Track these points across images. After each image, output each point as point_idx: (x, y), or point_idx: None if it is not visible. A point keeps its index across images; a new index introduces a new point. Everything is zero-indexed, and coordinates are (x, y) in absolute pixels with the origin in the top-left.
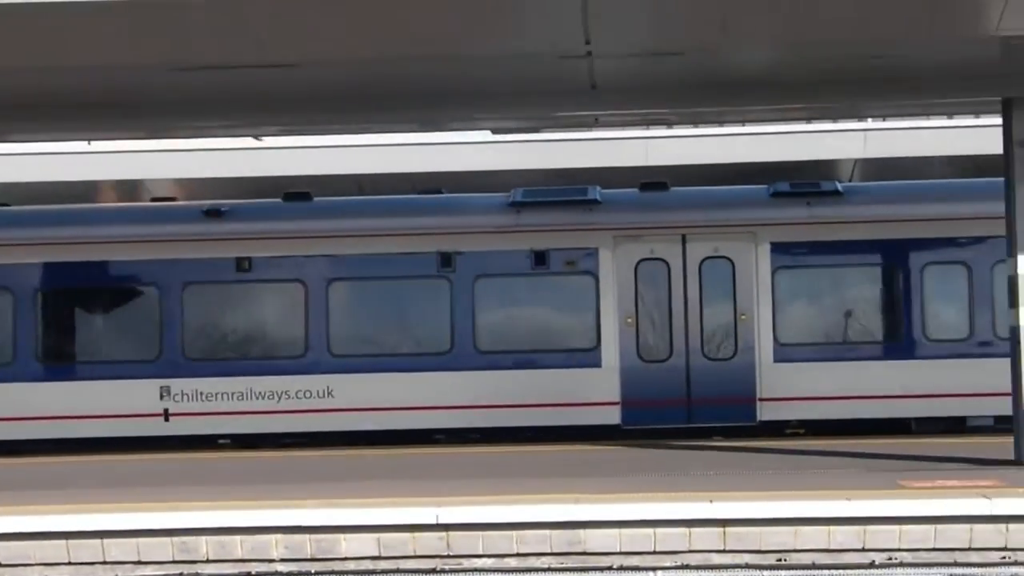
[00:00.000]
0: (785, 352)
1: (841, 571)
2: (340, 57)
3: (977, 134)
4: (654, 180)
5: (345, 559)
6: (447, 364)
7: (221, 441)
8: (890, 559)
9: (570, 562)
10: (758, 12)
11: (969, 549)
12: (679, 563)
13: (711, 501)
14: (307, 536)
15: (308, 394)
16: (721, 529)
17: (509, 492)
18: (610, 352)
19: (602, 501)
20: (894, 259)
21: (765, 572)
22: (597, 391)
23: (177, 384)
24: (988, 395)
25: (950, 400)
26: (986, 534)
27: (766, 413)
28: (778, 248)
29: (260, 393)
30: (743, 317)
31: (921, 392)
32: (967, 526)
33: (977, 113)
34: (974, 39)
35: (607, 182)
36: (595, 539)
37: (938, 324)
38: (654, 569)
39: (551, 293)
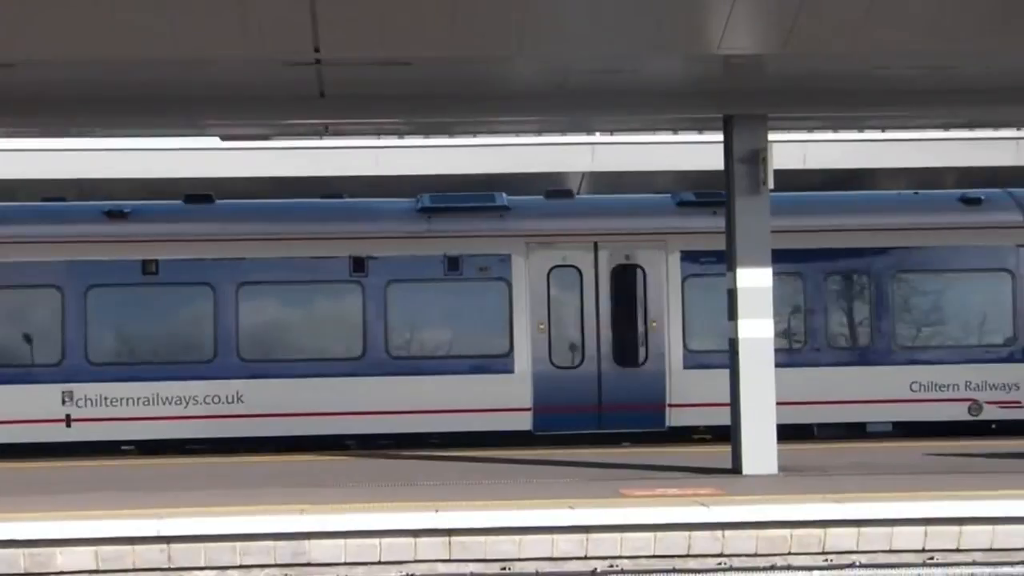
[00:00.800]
0: (694, 359)
1: None
2: (59, 56)
3: (704, 149)
4: (557, 188)
5: (60, 573)
6: (359, 370)
7: (125, 448)
8: (611, 567)
9: (294, 573)
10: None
11: (687, 555)
12: (404, 573)
13: (436, 511)
14: (21, 550)
15: (216, 399)
16: (447, 538)
17: (233, 503)
18: (522, 358)
19: (327, 512)
20: (795, 268)
21: None
22: (509, 397)
23: (80, 389)
24: (886, 402)
25: (849, 406)
26: (704, 541)
27: (675, 419)
28: (687, 256)
29: (167, 398)
30: (653, 324)
31: (821, 399)
32: (686, 533)
33: (700, 129)
34: (697, 57)
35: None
36: (320, 550)
37: (840, 332)
38: None
39: (464, 299)
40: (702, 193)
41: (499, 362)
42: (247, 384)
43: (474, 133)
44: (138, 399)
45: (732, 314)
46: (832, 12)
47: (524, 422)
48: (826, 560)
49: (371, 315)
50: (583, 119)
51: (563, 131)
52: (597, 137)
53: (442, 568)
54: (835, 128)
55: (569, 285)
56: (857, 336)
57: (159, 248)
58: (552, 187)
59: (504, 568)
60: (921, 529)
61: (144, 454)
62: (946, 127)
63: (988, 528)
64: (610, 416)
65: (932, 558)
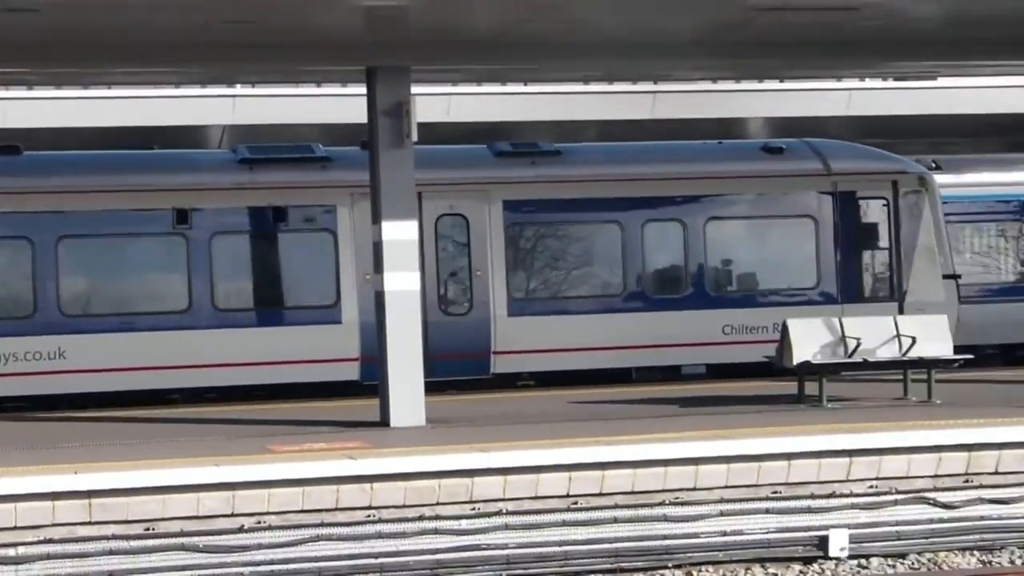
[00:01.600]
0: (518, 306)
1: (210, 537)
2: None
3: (349, 102)
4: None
5: None
6: (184, 323)
7: None
8: (259, 523)
9: None
10: None
11: (336, 509)
12: (42, 537)
13: (75, 472)
14: None
15: (38, 356)
16: (87, 501)
17: None
18: (350, 309)
19: None
20: (615, 217)
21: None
22: (336, 347)
23: None
24: (700, 344)
25: (666, 350)
26: (352, 494)
27: (500, 366)
28: (509, 206)
29: None
30: (478, 273)
31: (639, 343)
32: (334, 487)
33: (344, 82)
34: (339, 7)
35: None
36: None
37: (657, 279)
38: (14, 545)
39: (289, 250)
40: (519, 144)
41: (326, 313)
42: (69, 340)
43: (108, 84)
44: None
45: (378, 267)
46: None
47: (352, 372)
48: (473, 509)
49: (196, 267)
50: (223, 71)
51: (203, 84)
52: (238, 89)
53: (82, 531)
54: (479, 81)
55: None
56: (672, 283)
57: None
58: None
59: (148, 528)
60: (565, 475)
61: None
62: (586, 80)
63: (630, 472)
64: (438, 364)
65: (576, 503)
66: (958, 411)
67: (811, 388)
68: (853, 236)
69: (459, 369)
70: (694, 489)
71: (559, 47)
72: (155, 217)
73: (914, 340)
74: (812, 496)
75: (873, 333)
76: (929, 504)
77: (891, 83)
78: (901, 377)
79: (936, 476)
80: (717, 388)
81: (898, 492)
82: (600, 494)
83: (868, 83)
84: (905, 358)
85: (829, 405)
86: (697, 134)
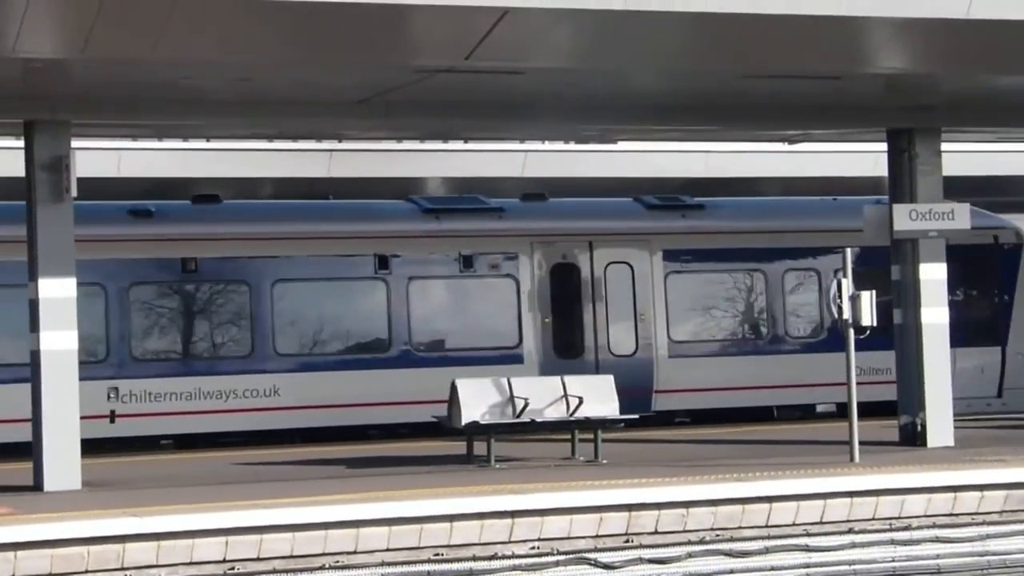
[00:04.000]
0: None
1: None
2: None
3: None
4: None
5: None
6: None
7: None
8: None
9: None
10: None
11: None
12: None
13: None
14: None
15: (255, 393)
16: None
17: None
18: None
19: None
20: (756, 266)
21: None
22: None
23: None
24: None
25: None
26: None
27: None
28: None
29: None
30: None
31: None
32: None
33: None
34: None
35: None
36: None
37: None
38: None
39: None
40: (665, 197)
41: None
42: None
43: None
44: None
45: (34, 326)
46: (131, 18)
47: None
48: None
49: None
50: None
51: None
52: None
53: None
54: (157, 136)
55: None
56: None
57: None
58: None
59: None
60: (222, 539)
61: None
62: (270, 138)
63: (289, 535)
64: None
65: (233, 568)
66: (622, 471)
67: (481, 448)
68: None
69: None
70: (355, 552)
71: (223, 104)
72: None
73: (581, 400)
74: (474, 558)
75: (541, 393)
76: (590, 565)
77: (572, 145)
78: (569, 437)
79: (597, 536)
80: (388, 448)
81: (560, 553)
82: (258, 559)
83: (548, 145)
84: (572, 418)
85: (497, 465)
86: (374, 193)
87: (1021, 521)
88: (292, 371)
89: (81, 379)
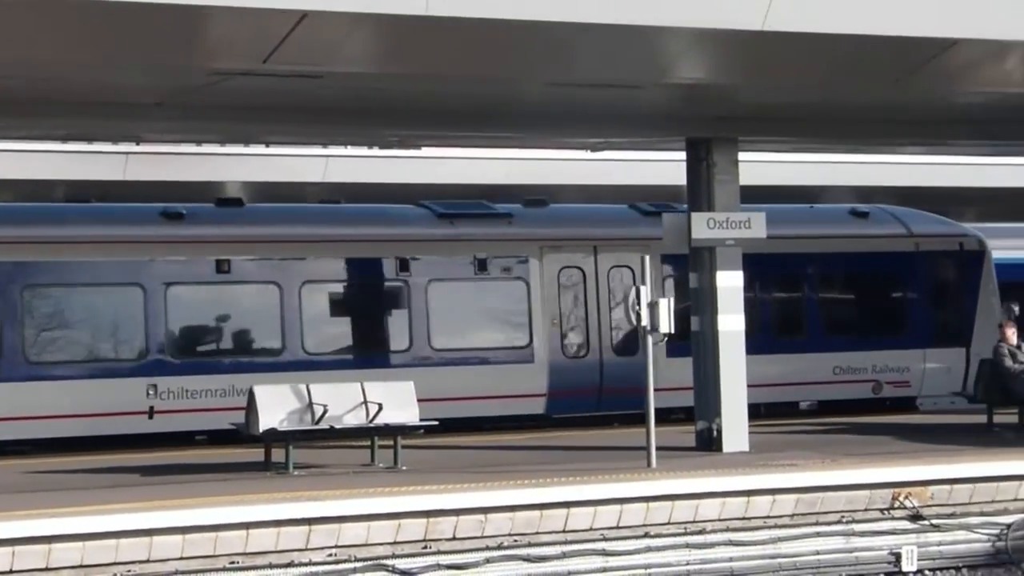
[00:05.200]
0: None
1: None
2: None
3: None
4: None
5: None
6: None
7: None
8: None
9: None
10: None
11: None
12: None
13: None
14: None
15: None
16: None
17: None
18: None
19: None
20: None
21: None
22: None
23: None
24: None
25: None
26: None
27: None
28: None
29: None
30: None
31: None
32: None
33: None
34: None
35: None
36: None
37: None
38: None
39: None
40: (658, 204)
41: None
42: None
43: None
44: None
45: None
46: None
47: (540, 407)
48: None
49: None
50: None
51: None
52: None
53: None
54: None
55: None
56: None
57: None
58: None
59: None
60: (9, 550)
61: None
62: (49, 138)
63: (79, 545)
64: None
65: None
66: (421, 477)
67: (279, 455)
68: None
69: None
70: (148, 561)
71: (14, 103)
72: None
73: (380, 407)
74: (271, 566)
75: (341, 400)
76: (388, 571)
77: (375, 151)
78: (369, 444)
79: (396, 543)
80: (184, 456)
81: (357, 560)
82: (46, 569)
83: (351, 150)
84: (371, 425)
85: (295, 472)
86: (174, 196)
87: (811, 524)
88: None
89: None
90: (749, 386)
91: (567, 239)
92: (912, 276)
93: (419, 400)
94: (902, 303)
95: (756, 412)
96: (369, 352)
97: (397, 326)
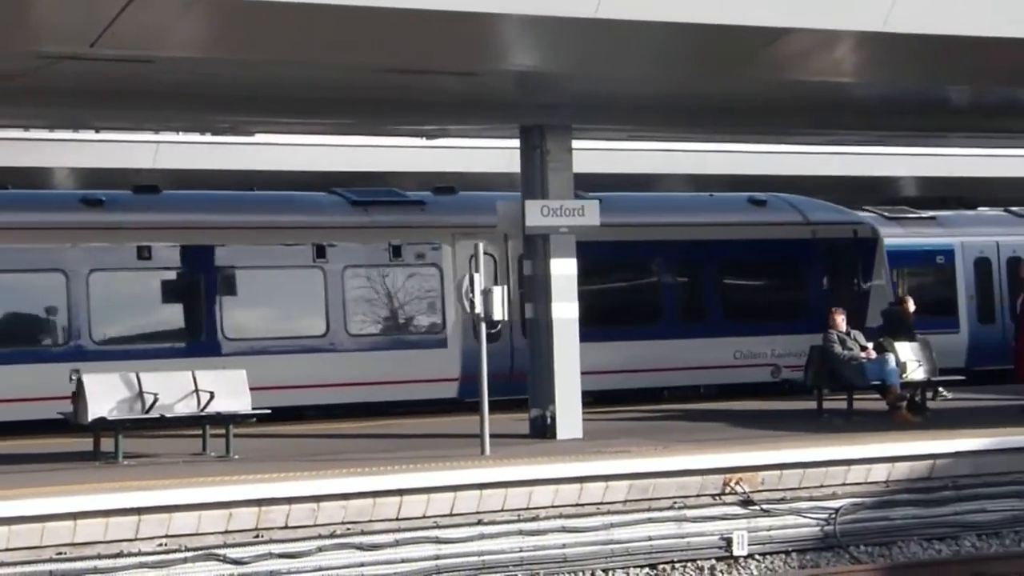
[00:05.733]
0: None
1: None
2: None
3: None
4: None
5: None
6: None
7: None
8: None
9: None
10: None
11: None
12: None
13: None
14: None
15: None
16: None
17: None
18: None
19: None
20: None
21: None
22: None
23: None
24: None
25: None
26: None
27: None
28: None
29: None
30: None
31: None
32: None
33: None
34: None
35: None
36: None
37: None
38: None
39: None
40: None
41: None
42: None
43: None
44: None
45: None
46: None
47: (452, 391)
48: None
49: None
50: None
51: None
52: None
53: None
54: None
55: None
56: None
57: None
58: None
59: None
60: None
61: None
62: None
63: None
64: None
65: None
66: (254, 466)
67: (109, 445)
68: None
69: None
70: None
71: None
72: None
73: (212, 395)
74: (99, 556)
75: (172, 388)
76: (219, 561)
77: (208, 137)
78: (201, 433)
79: (227, 532)
80: (10, 446)
81: (188, 549)
82: None
83: (182, 136)
84: (203, 414)
85: (125, 462)
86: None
87: (644, 510)
88: None
89: None
90: (653, 370)
91: (478, 226)
92: (809, 262)
93: (337, 384)
94: (800, 288)
95: (660, 396)
96: (286, 338)
97: (313, 312)
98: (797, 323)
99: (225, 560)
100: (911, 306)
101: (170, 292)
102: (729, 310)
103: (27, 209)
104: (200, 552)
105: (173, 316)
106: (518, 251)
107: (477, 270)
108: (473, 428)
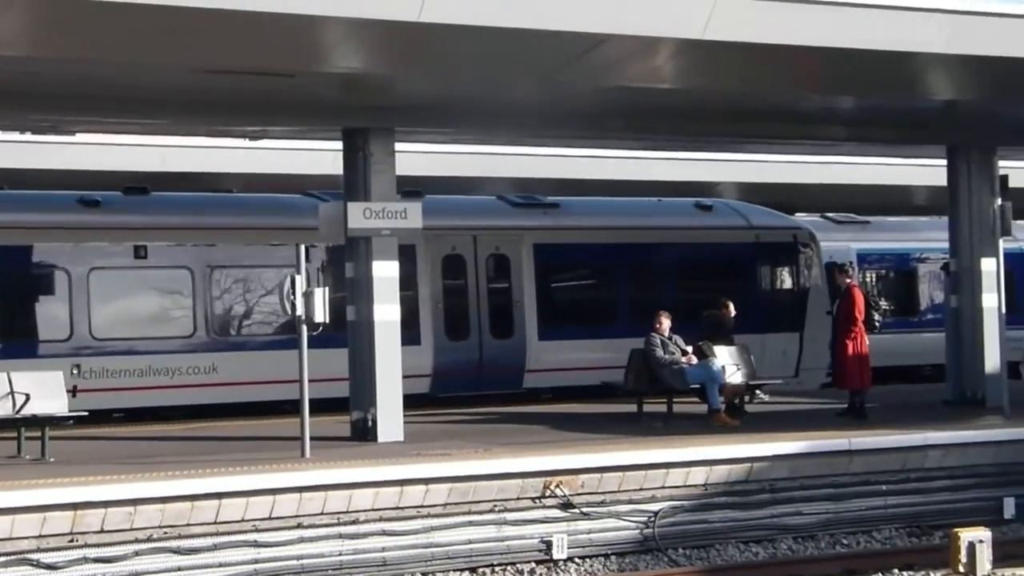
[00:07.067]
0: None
1: None
2: None
3: None
4: None
5: None
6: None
7: None
8: None
9: None
10: None
11: None
12: None
13: None
14: None
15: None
16: None
17: None
18: None
19: None
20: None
21: None
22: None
23: None
24: None
25: None
26: None
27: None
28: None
29: None
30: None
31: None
32: None
33: None
34: None
35: None
36: None
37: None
38: None
39: None
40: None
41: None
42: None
43: None
44: None
45: None
46: None
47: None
48: None
49: None
50: None
51: None
52: None
53: None
54: None
55: None
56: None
57: None
58: None
59: None
60: None
61: None
62: None
63: None
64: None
65: None
66: (70, 469)
67: None
68: None
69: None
70: None
71: None
72: None
73: (28, 397)
74: None
75: None
76: (32, 566)
77: (28, 136)
78: (16, 435)
79: (41, 536)
80: None
81: (1, 554)
82: None
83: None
84: (18, 416)
85: None
86: None
87: (464, 513)
88: None
89: None
90: (594, 368)
91: (449, 228)
92: (752, 266)
93: (325, 379)
94: (743, 291)
95: (612, 393)
96: (272, 334)
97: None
98: (741, 324)
99: (39, 565)
100: (731, 310)
101: None
102: (672, 311)
103: None
104: (13, 556)
105: None
106: (487, 252)
107: (299, 271)
108: (295, 431)
